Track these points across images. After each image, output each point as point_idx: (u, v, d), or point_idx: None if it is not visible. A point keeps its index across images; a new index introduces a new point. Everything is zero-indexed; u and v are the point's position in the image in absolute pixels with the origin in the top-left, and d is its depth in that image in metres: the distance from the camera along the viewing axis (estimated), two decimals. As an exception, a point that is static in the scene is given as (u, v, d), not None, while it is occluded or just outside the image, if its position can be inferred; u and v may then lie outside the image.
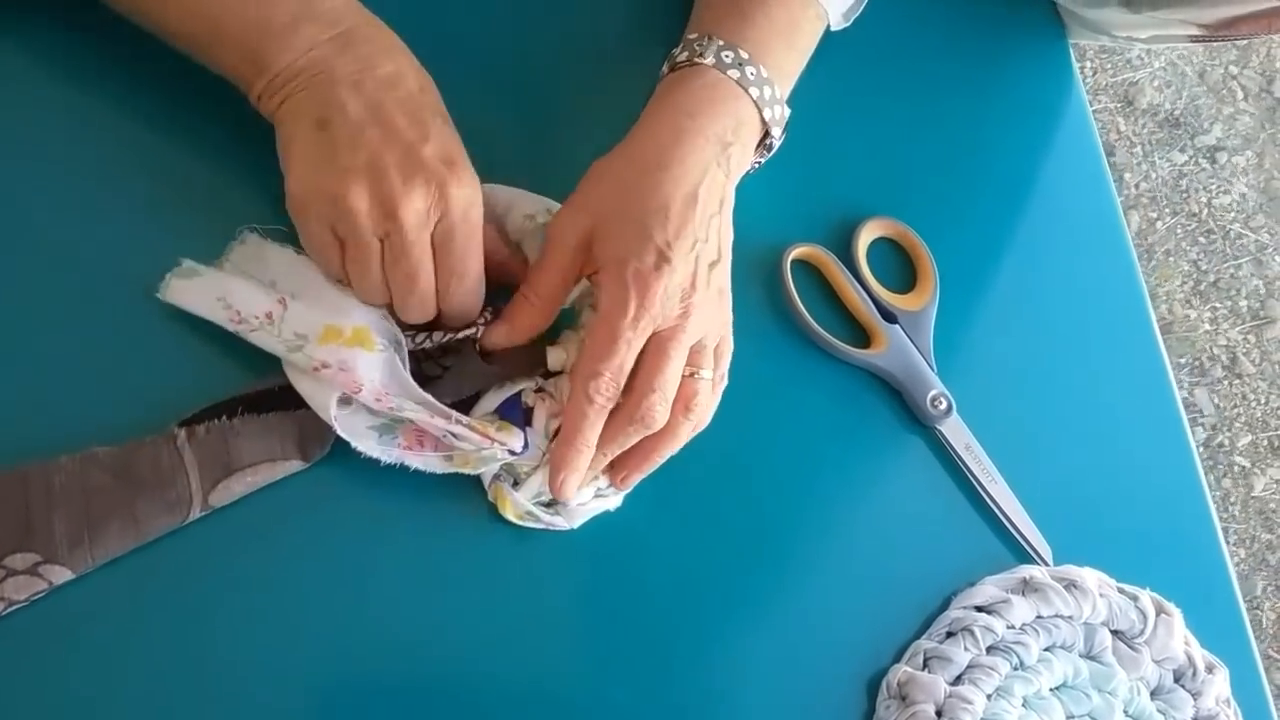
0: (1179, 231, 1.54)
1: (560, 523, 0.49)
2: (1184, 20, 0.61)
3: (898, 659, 0.51)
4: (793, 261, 0.56)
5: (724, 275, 0.49)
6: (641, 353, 0.46)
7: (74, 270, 0.48)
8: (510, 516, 0.48)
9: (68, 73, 0.51)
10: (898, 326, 0.56)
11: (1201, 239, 1.54)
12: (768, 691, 0.50)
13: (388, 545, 0.48)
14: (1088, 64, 1.57)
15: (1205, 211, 1.55)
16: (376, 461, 0.46)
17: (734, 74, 0.49)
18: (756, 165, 0.53)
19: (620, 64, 0.57)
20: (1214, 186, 1.56)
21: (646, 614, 0.50)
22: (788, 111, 0.52)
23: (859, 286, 0.56)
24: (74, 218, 0.49)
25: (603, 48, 0.58)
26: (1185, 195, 1.55)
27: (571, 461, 0.46)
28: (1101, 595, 0.53)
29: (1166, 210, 1.54)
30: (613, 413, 0.47)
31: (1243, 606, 0.57)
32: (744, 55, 0.50)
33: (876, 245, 0.58)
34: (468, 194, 0.44)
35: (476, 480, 0.49)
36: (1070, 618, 0.52)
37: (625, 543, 0.51)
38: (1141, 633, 0.53)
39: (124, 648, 0.44)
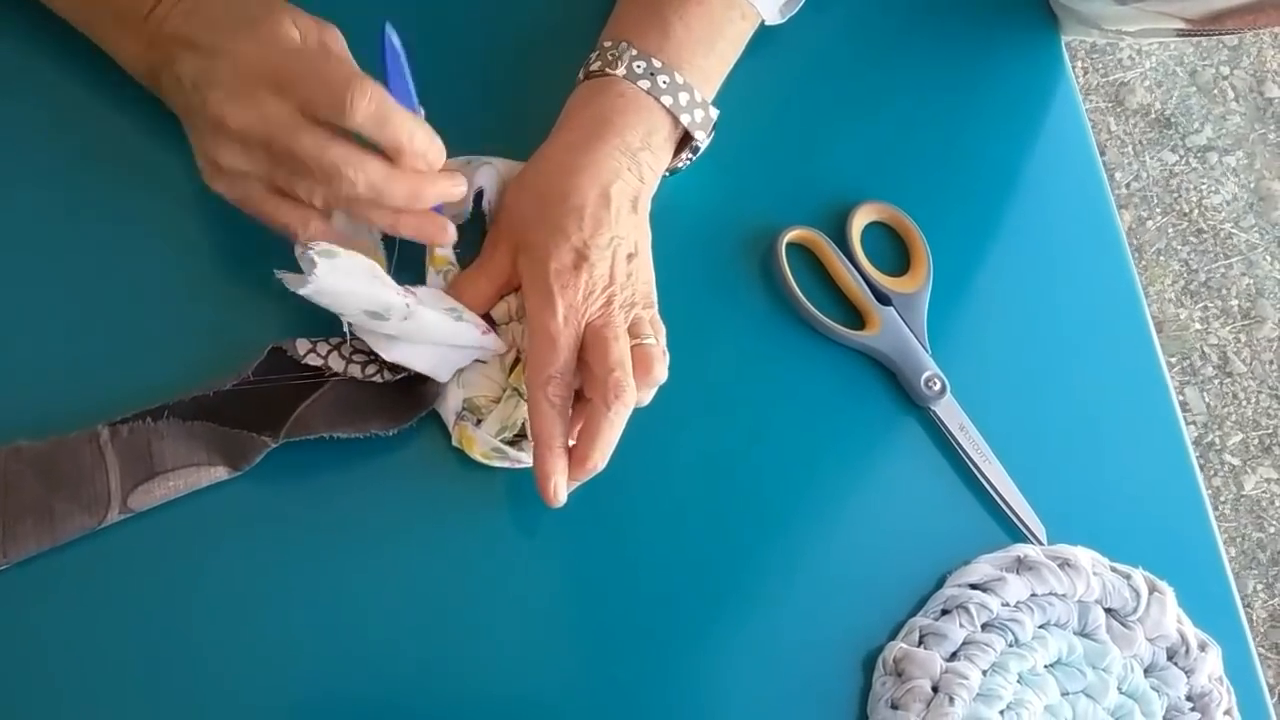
0: (1170, 231, 1.55)
1: (525, 459, 0.49)
2: (1170, 14, 0.62)
3: (894, 636, 0.52)
4: (788, 244, 0.56)
5: (644, 266, 0.51)
6: (586, 348, 0.48)
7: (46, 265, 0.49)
8: (477, 456, 0.49)
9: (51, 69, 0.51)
10: (892, 309, 0.56)
11: (1192, 239, 1.55)
12: (764, 670, 0.50)
13: (348, 545, 0.48)
14: (1079, 64, 1.58)
15: (1196, 211, 1.56)
16: (328, 464, 0.48)
17: (644, 84, 0.51)
18: (687, 163, 0.55)
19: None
20: (1204, 186, 1.58)
21: (642, 594, 0.50)
22: (714, 113, 0.53)
23: (853, 269, 0.57)
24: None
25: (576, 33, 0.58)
26: (1176, 195, 1.57)
27: (553, 464, 0.47)
28: (1095, 574, 0.53)
29: (1157, 210, 1.55)
30: (587, 412, 0.48)
31: (1234, 585, 0.58)
32: (657, 64, 0.51)
33: (871, 229, 0.59)
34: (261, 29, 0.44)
35: (443, 476, 0.50)
36: (1064, 596, 0.53)
37: (620, 523, 0.51)
38: (1135, 611, 0.53)
39: (43, 650, 0.44)
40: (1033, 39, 0.67)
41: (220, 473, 0.47)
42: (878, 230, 0.59)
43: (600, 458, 0.47)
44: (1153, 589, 0.54)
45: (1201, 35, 0.64)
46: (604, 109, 0.51)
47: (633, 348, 0.49)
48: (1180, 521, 0.58)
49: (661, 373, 0.49)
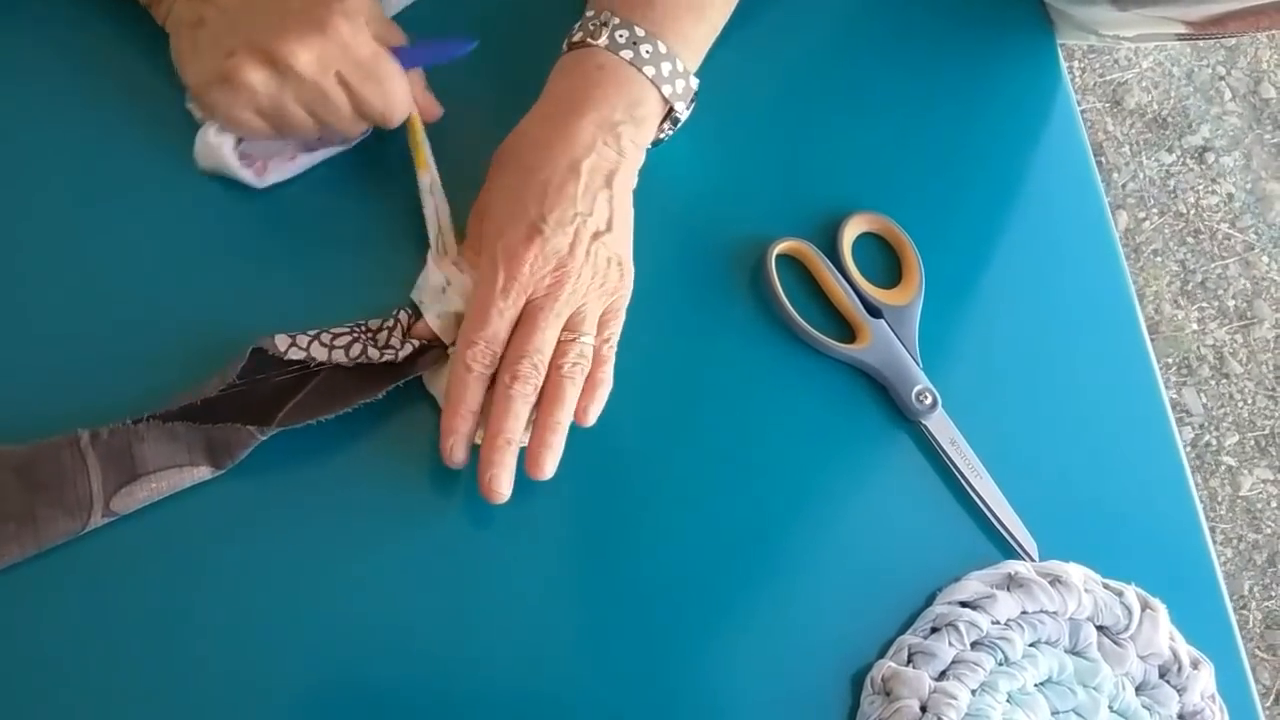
0: (1166, 231, 1.54)
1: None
2: (1171, 18, 0.61)
3: (882, 654, 0.51)
4: (777, 256, 0.56)
5: (618, 245, 0.50)
6: (517, 323, 0.48)
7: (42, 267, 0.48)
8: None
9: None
10: (883, 321, 0.56)
11: (1189, 239, 1.55)
12: (752, 687, 0.50)
13: (339, 542, 0.48)
14: (1075, 64, 1.58)
15: (1193, 211, 1.56)
16: (315, 460, 0.48)
17: (627, 54, 0.50)
18: (667, 135, 0.54)
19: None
20: (1201, 187, 1.57)
21: (631, 609, 0.49)
22: (695, 84, 0.52)
23: (844, 281, 0.56)
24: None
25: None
26: (1173, 195, 1.56)
27: (457, 427, 0.48)
28: (1086, 591, 0.53)
29: (1154, 210, 1.55)
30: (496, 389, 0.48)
31: (1228, 602, 0.57)
32: (640, 33, 0.50)
33: (862, 240, 0.58)
34: (342, 22, 0.47)
35: (433, 477, 0.49)
36: (1055, 613, 0.52)
37: (608, 538, 0.50)
38: (1126, 628, 0.53)
39: (32, 655, 0.44)
40: (1028, 44, 0.66)
41: (203, 472, 0.46)
42: (869, 241, 0.58)
43: (504, 435, 0.48)
44: (1145, 606, 0.54)
45: (1202, 39, 0.63)
46: (583, 81, 0.50)
47: (561, 340, 0.49)
48: (1173, 537, 0.58)
49: (592, 376, 0.49)
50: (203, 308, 0.50)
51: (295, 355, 0.48)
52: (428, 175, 0.52)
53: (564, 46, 0.52)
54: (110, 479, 0.45)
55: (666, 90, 0.51)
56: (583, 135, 0.49)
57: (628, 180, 0.51)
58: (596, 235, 0.49)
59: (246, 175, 0.51)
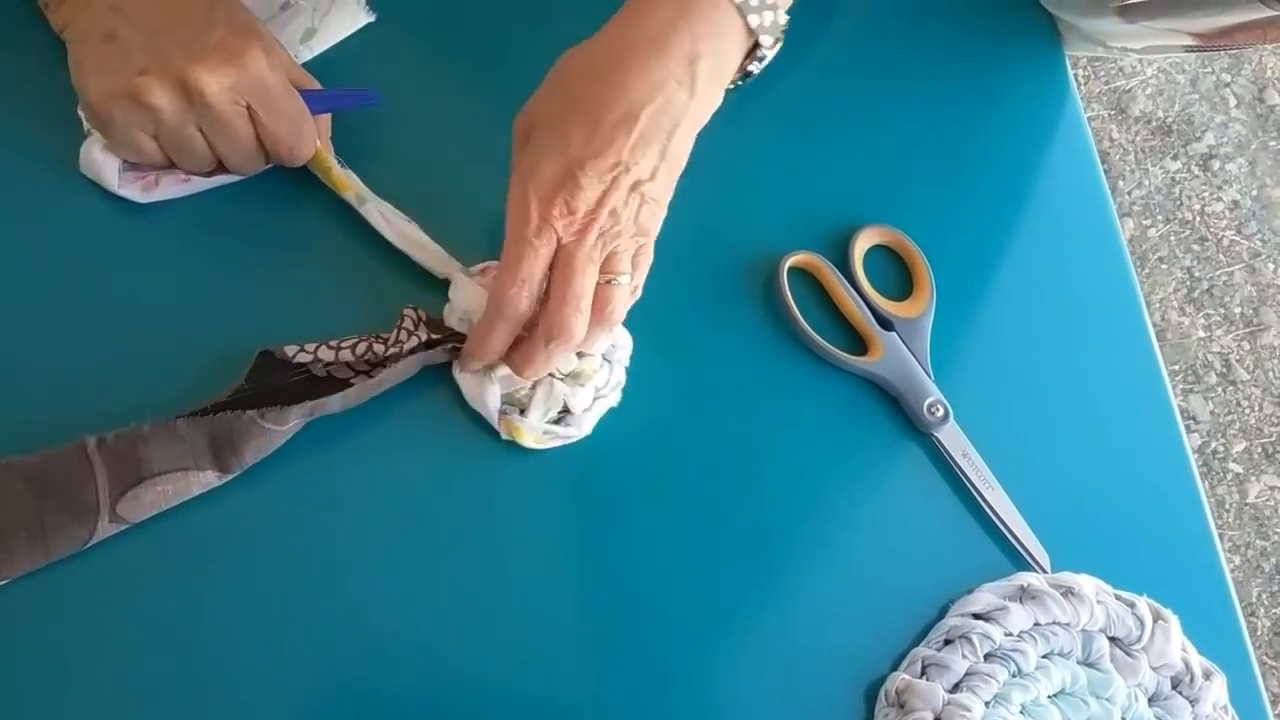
0: (1172, 239, 1.54)
1: (575, 432, 0.51)
2: (1179, 30, 0.61)
3: (896, 666, 0.51)
4: (790, 269, 0.56)
5: (658, 192, 0.47)
6: (552, 268, 0.46)
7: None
8: (529, 443, 0.50)
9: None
10: (894, 334, 0.56)
11: (1195, 246, 1.55)
12: (766, 699, 0.50)
13: (349, 545, 0.48)
14: (1080, 72, 1.58)
15: (1198, 219, 1.56)
16: (317, 468, 0.48)
17: None
18: (749, 76, 0.49)
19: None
20: (1207, 194, 1.57)
21: (643, 621, 0.50)
22: (784, 19, 0.47)
23: (855, 294, 0.56)
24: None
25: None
26: (1178, 202, 1.56)
27: (474, 360, 0.49)
28: (1099, 602, 0.53)
29: (1160, 217, 1.55)
30: (529, 337, 0.48)
31: (1239, 612, 0.57)
32: None
33: (873, 253, 0.58)
34: (261, 57, 0.47)
35: (449, 491, 0.50)
36: (1068, 625, 0.52)
37: (619, 548, 0.51)
38: (1139, 639, 0.53)
39: (42, 664, 0.44)
40: (1037, 56, 0.67)
41: (209, 478, 0.46)
42: (880, 254, 0.58)
43: (527, 375, 0.48)
44: (1157, 617, 0.54)
45: (1210, 51, 0.64)
46: (664, 5, 0.45)
47: (599, 285, 0.47)
48: (1184, 547, 0.58)
49: (618, 315, 0.48)
50: (211, 322, 0.50)
51: (303, 359, 0.48)
52: (353, 193, 0.52)
53: None
54: (116, 483, 0.45)
55: (754, 21, 0.46)
56: (651, 72, 0.45)
57: (694, 126, 0.47)
58: (636, 185, 0.46)
59: (128, 191, 0.50)
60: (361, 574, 0.48)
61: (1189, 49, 0.63)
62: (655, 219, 0.48)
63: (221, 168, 0.51)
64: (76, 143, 0.50)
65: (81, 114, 0.50)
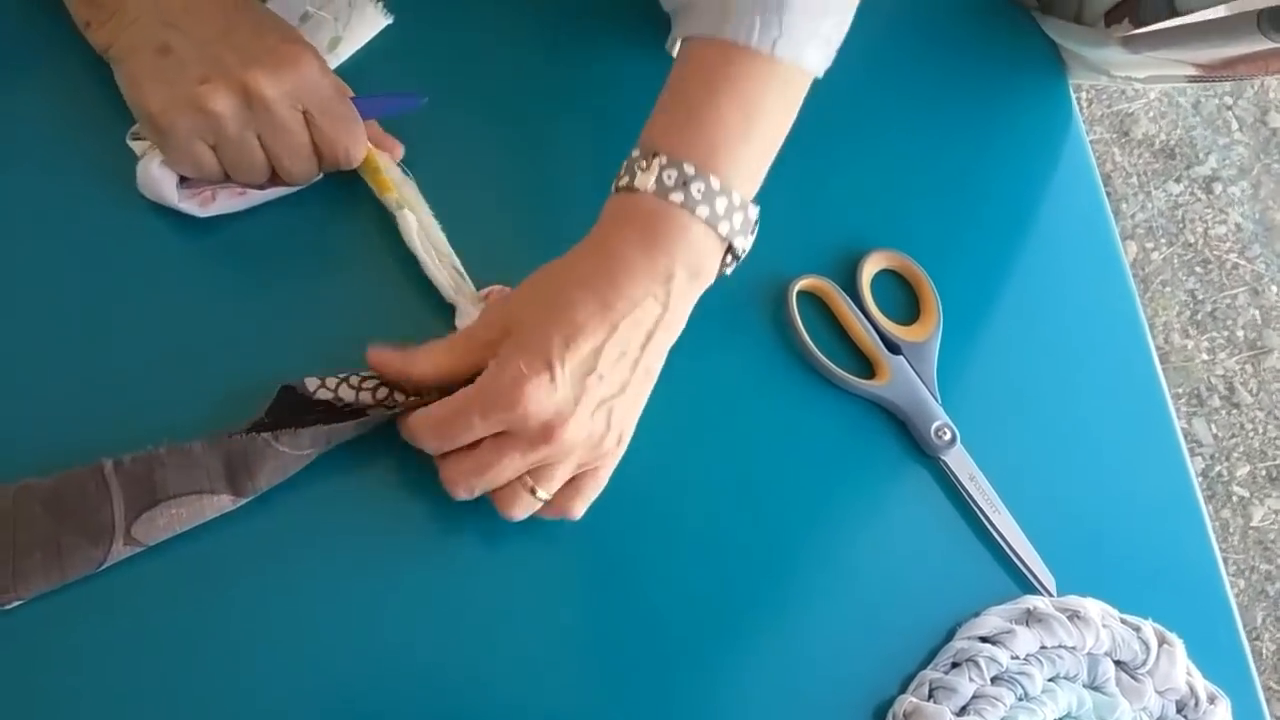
0: (1175, 262, 1.55)
1: None
2: (1182, 60, 0.62)
3: (903, 689, 0.51)
4: (798, 293, 0.56)
5: (626, 412, 0.48)
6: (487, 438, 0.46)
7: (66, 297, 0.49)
8: None
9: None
10: (902, 357, 0.56)
11: (1198, 269, 1.55)
12: (773, 721, 0.50)
13: (359, 572, 0.49)
14: (1083, 95, 1.59)
15: (1201, 242, 1.57)
16: (329, 497, 0.49)
17: (677, 198, 0.46)
18: (729, 270, 0.50)
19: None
20: (1210, 217, 1.58)
21: (649, 644, 0.50)
22: (754, 213, 0.48)
23: (863, 318, 0.57)
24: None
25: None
26: (1181, 225, 1.57)
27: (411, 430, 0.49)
28: (1104, 625, 0.53)
29: (1163, 240, 1.56)
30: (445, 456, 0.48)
31: (1244, 637, 0.58)
32: (689, 171, 0.46)
33: (880, 277, 0.59)
34: (315, 62, 0.49)
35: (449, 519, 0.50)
36: (1074, 648, 0.53)
37: (626, 569, 0.51)
38: (1144, 663, 0.53)
39: (54, 687, 0.44)
40: (1041, 84, 0.68)
41: (224, 501, 0.46)
42: (888, 278, 0.59)
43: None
44: (1162, 641, 0.54)
45: (1212, 80, 0.64)
46: (634, 230, 0.47)
47: (513, 484, 0.47)
48: (1190, 571, 0.58)
49: (512, 516, 0.48)
50: (232, 349, 0.51)
51: (323, 395, 0.48)
52: (394, 196, 0.53)
53: (612, 188, 0.48)
54: (131, 505, 0.45)
55: (723, 229, 0.47)
56: (629, 288, 0.46)
57: (667, 338, 0.48)
58: (604, 401, 0.46)
59: (187, 206, 0.51)
60: (372, 602, 0.48)
61: (1192, 79, 0.64)
62: (617, 449, 0.49)
63: (274, 180, 0.51)
64: (105, 164, 0.51)
65: (130, 142, 0.51)
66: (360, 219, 0.54)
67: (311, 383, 0.49)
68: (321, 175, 0.53)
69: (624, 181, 0.47)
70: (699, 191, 0.46)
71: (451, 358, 0.48)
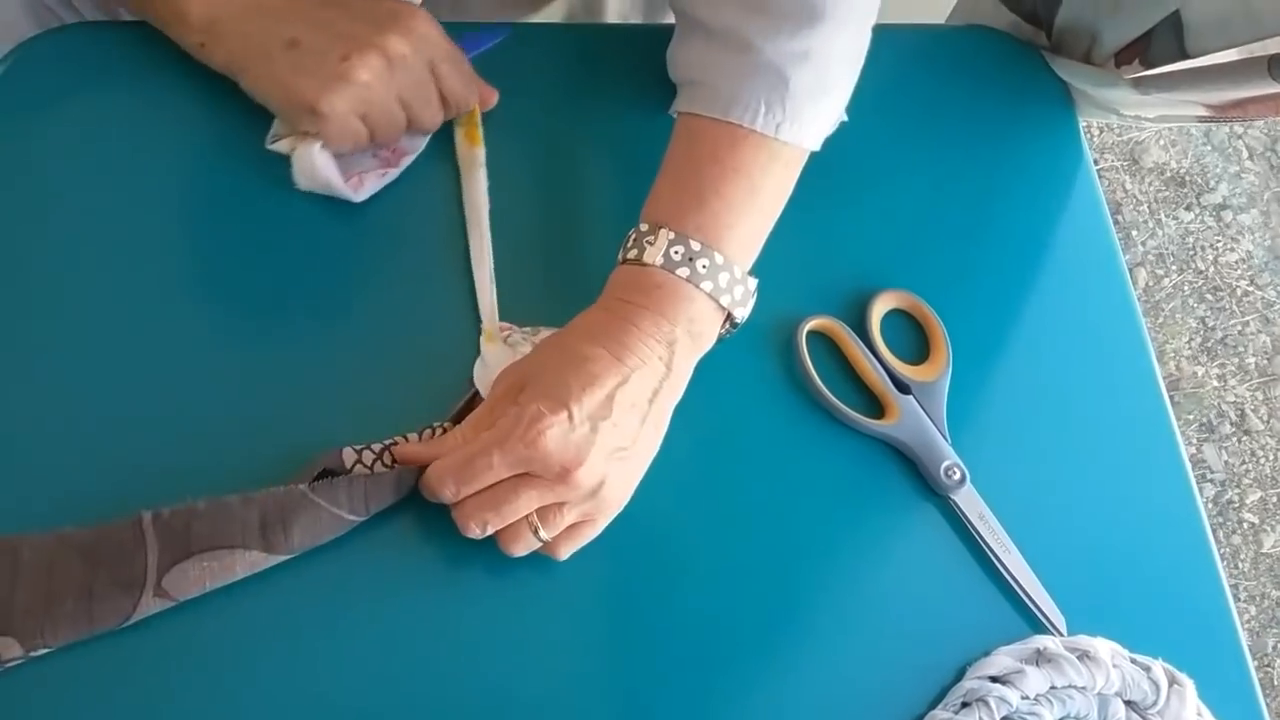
0: (1186, 289, 1.55)
1: None
2: (1192, 101, 0.63)
3: (913, 729, 0.52)
4: (808, 333, 0.57)
5: (632, 466, 0.49)
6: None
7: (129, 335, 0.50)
8: None
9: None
10: (911, 397, 0.57)
11: (1209, 296, 1.55)
12: (784, 760, 0.50)
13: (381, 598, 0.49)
14: (1094, 124, 1.60)
15: (1212, 269, 1.57)
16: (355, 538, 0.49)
17: (683, 272, 0.49)
18: (726, 334, 0.53)
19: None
20: (1220, 244, 1.58)
21: (659, 683, 0.50)
22: (753, 285, 0.52)
23: (873, 358, 0.57)
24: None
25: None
26: (1192, 253, 1.57)
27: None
28: (1115, 666, 0.53)
29: (1173, 268, 1.56)
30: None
31: (1255, 676, 0.58)
32: (695, 247, 0.49)
33: (890, 317, 0.59)
34: (426, 16, 0.54)
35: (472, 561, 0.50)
36: (1084, 688, 0.53)
37: (635, 608, 0.51)
38: (1155, 703, 0.53)
39: None
40: (1051, 122, 0.68)
41: (256, 557, 0.46)
42: (897, 318, 0.60)
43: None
44: (1173, 681, 0.54)
45: (1222, 121, 0.65)
46: (641, 298, 0.49)
47: (520, 523, 0.48)
48: (1200, 610, 0.58)
49: (513, 552, 0.49)
50: (272, 405, 0.52)
51: (359, 471, 0.49)
52: (481, 150, 0.56)
53: (619, 257, 0.51)
54: (165, 556, 0.45)
55: (725, 300, 0.50)
56: (639, 352, 0.48)
57: (671, 396, 0.50)
58: (615, 451, 0.48)
59: (348, 191, 0.55)
60: (401, 668, 0.48)
61: (1201, 119, 0.64)
62: (617, 504, 0.50)
63: (399, 149, 0.56)
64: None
65: (272, 146, 0.54)
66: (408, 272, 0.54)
67: (349, 455, 0.49)
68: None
69: (632, 254, 0.50)
70: (704, 266, 0.49)
71: (477, 430, 0.49)
